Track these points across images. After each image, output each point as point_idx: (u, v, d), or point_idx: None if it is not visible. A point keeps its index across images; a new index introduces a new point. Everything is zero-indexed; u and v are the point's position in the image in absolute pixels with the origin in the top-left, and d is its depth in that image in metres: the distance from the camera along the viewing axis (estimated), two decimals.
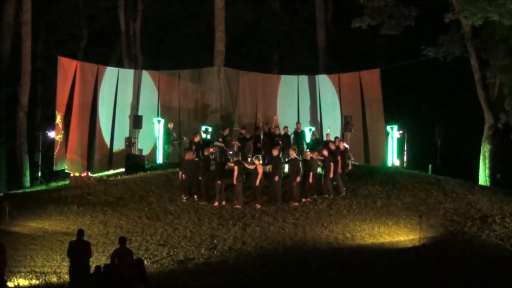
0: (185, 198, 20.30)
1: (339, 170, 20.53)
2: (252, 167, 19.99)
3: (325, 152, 20.56)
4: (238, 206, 19.60)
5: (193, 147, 21.54)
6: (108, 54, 34.24)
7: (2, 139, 28.65)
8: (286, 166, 21.03)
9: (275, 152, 20.34)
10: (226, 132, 23.93)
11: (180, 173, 20.75)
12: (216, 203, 19.83)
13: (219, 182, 19.97)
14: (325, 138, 23.60)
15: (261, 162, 20.07)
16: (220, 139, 23.58)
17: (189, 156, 20.60)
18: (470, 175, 25.20)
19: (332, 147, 21.10)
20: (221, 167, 20.41)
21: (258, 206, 19.58)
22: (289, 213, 19.11)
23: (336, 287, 14.15)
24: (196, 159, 20.65)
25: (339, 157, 20.65)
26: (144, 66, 31.32)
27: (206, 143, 22.65)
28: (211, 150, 21.73)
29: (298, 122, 24.90)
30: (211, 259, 15.93)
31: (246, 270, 15.15)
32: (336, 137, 23.01)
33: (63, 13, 33.91)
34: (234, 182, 19.84)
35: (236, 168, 19.86)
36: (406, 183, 21.45)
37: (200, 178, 20.21)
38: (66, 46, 33.60)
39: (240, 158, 21.03)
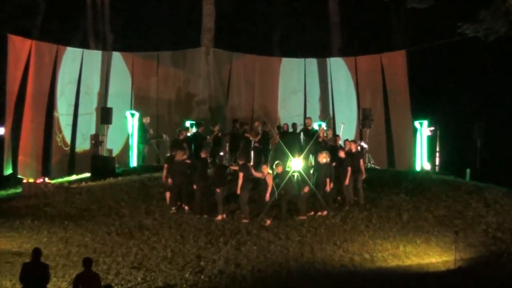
0: (174, 209, 20.27)
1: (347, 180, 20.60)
2: (259, 175, 19.92)
3: (342, 154, 20.61)
4: (245, 220, 19.59)
5: (184, 145, 21.47)
6: (70, 32, 34.23)
7: None
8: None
9: (279, 170, 20.11)
10: (217, 128, 23.85)
11: (164, 176, 20.72)
12: (220, 217, 19.81)
13: (218, 190, 19.99)
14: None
15: (269, 170, 20.02)
16: (208, 137, 23.49)
17: (180, 156, 20.54)
18: None
19: (353, 148, 21.16)
20: (221, 171, 20.42)
21: (268, 222, 19.51)
22: (294, 229, 19.12)
23: None
24: (188, 161, 20.59)
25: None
26: (114, 47, 31.36)
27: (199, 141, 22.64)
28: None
29: (308, 118, 24.75)
30: (197, 286, 15.93)
31: None
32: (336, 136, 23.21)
33: None
34: (238, 191, 19.80)
35: (241, 174, 19.78)
36: (438, 192, 21.53)
37: (195, 186, 20.15)
38: (18, 22, 33.57)
39: (244, 162, 20.68)
